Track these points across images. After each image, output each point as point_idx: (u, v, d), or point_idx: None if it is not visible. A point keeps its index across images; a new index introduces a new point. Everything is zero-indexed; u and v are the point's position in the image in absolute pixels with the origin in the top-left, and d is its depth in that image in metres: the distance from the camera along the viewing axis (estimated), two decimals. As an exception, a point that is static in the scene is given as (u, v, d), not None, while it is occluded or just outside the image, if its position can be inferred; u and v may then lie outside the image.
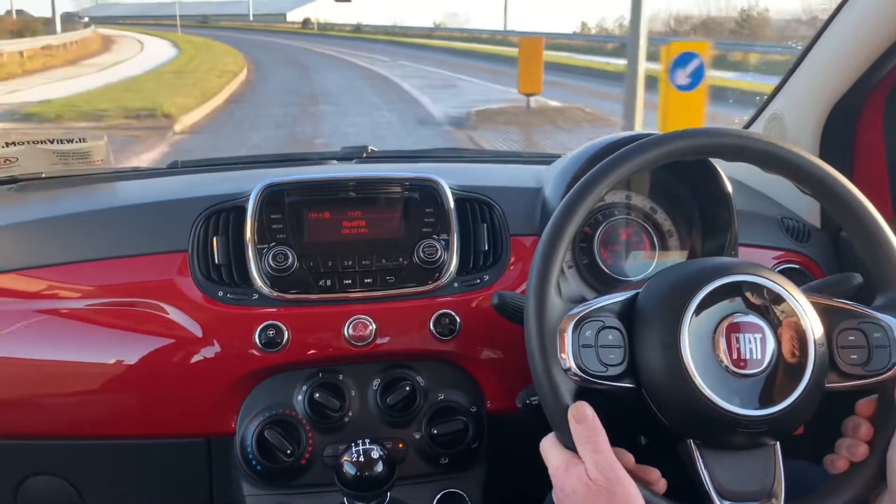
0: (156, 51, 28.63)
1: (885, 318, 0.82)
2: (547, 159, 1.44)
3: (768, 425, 0.76)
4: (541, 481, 0.80)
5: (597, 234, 1.21)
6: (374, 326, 1.09)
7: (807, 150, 0.88)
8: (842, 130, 1.29)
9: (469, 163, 1.54)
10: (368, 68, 21.52)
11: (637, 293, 0.83)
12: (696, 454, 0.79)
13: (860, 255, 0.86)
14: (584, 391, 0.79)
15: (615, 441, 0.77)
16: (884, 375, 0.81)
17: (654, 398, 0.79)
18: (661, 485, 0.82)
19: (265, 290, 1.08)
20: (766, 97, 1.46)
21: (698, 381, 0.76)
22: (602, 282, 1.19)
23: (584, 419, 0.76)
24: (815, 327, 0.79)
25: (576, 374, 0.77)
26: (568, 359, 0.77)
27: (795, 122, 1.34)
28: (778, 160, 0.85)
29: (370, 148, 1.58)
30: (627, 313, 0.81)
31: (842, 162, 1.29)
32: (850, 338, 0.81)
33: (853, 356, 0.81)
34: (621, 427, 0.82)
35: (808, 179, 0.86)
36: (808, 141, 1.30)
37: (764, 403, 0.76)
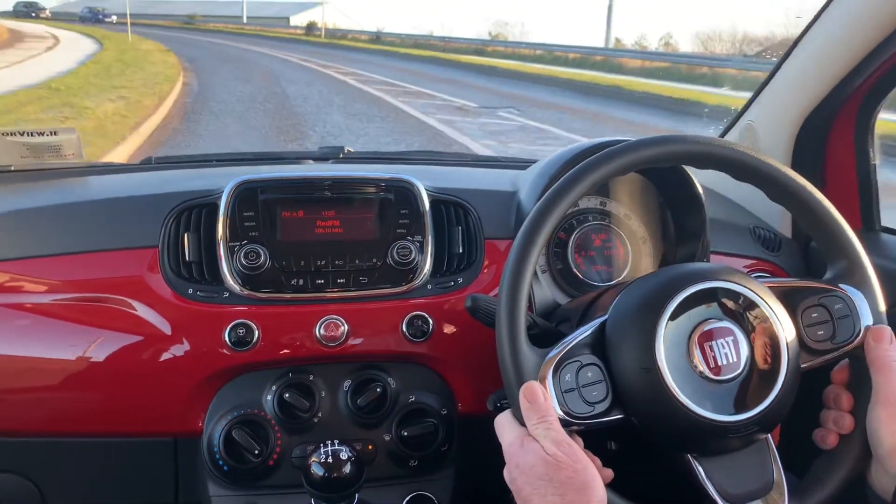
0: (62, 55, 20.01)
1: (843, 288, 0.85)
2: (523, 164, 1.44)
3: (757, 424, 0.78)
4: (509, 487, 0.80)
5: (571, 239, 1.21)
6: (346, 327, 1.08)
7: (779, 160, 0.89)
8: (813, 142, 1.31)
9: (445, 166, 1.53)
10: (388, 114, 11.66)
11: (605, 320, 0.83)
12: (697, 466, 0.80)
13: (808, 233, 0.90)
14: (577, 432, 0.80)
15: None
16: (852, 344, 0.84)
17: (643, 424, 0.80)
18: (607, 473, 0.83)
19: (236, 288, 1.07)
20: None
21: (683, 399, 0.76)
22: (575, 287, 1.20)
23: (535, 399, 0.77)
24: (786, 328, 0.80)
25: (565, 421, 0.77)
26: (555, 408, 0.78)
27: (768, 132, 1.36)
28: (743, 166, 0.87)
29: (347, 148, 1.58)
30: (600, 343, 0.82)
31: (812, 173, 1.31)
32: (814, 315, 0.84)
33: (819, 332, 0.84)
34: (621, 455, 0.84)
35: (761, 178, 0.87)
36: (780, 151, 1.32)
37: (750, 405, 0.77)
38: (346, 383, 1.11)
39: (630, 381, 0.79)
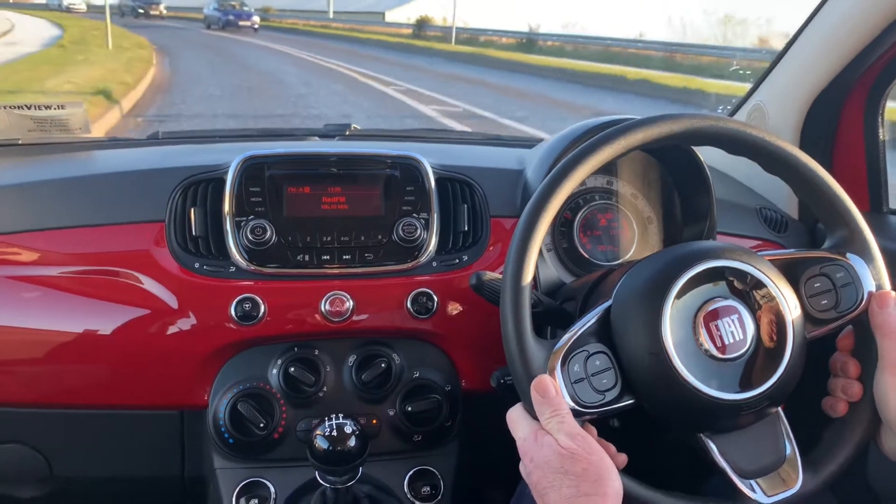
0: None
1: (844, 256, 0.85)
2: (530, 143, 1.43)
3: (768, 399, 0.78)
4: (513, 461, 0.81)
5: (577, 219, 1.21)
6: (352, 303, 1.09)
7: (788, 141, 0.88)
8: (823, 125, 1.30)
9: (452, 144, 1.53)
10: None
11: (609, 305, 0.83)
12: (711, 445, 0.80)
13: (805, 202, 0.89)
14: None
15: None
16: (856, 312, 0.83)
17: (653, 408, 0.80)
18: (621, 459, 0.83)
19: (242, 263, 1.07)
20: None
21: (692, 381, 0.76)
22: (580, 266, 1.20)
23: (547, 393, 0.76)
24: (791, 304, 0.80)
25: (576, 411, 0.77)
26: (566, 399, 0.78)
27: (777, 113, 1.35)
28: (735, 138, 0.86)
29: (353, 126, 1.57)
30: (606, 330, 0.81)
31: (822, 156, 1.30)
32: (816, 284, 0.84)
33: (823, 301, 0.84)
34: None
35: (754, 149, 0.86)
36: (788, 133, 1.31)
37: (759, 382, 0.77)
38: (351, 358, 1.12)
39: (638, 367, 0.78)
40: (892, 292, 0.84)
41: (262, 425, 1.06)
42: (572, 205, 1.22)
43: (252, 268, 1.07)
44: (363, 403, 1.11)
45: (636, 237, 1.23)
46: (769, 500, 0.79)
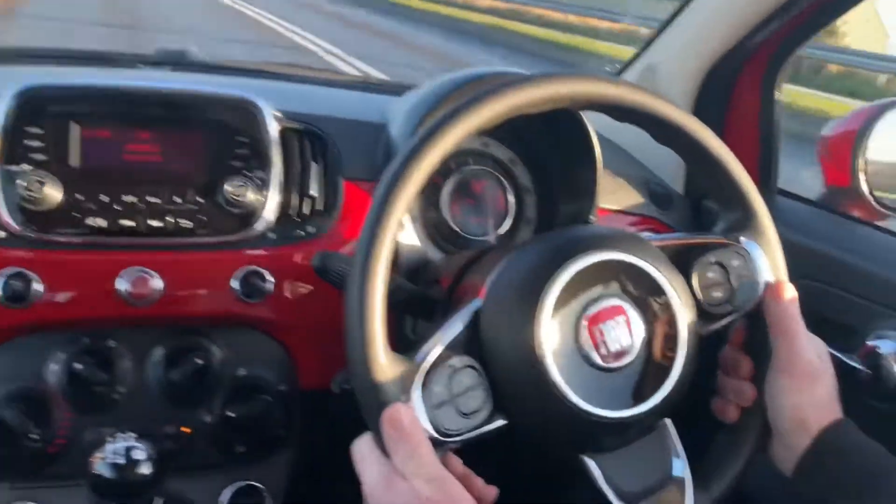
0: None
1: (739, 241, 0.76)
2: (398, 89, 1.25)
3: (656, 414, 0.68)
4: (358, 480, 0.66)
5: (447, 185, 1.05)
6: (160, 282, 0.88)
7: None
8: (718, 94, 1.20)
9: (306, 84, 1.31)
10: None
11: (479, 308, 0.68)
12: (593, 466, 0.69)
13: (697, 176, 0.82)
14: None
15: None
16: (752, 304, 0.75)
17: (529, 429, 0.68)
18: (490, 493, 0.71)
19: (14, 226, 0.83)
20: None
21: (574, 398, 0.64)
22: (450, 241, 1.05)
23: (401, 427, 0.61)
24: (686, 305, 0.70)
25: (437, 441, 0.63)
26: (426, 428, 0.63)
27: (670, 77, 1.24)
28: (621, 103, 0.73)
29: (192, 53, 1.32)
30: (475, 338, 0.67)
31: (714, 127, 1.21)
32: (710, 275, 0.75)
33: (717, 294, 0.74)
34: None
35: (646, 116, 0.75)
36: (681, 101, 1.21)
37: (648, 395, 0.67)
38: (158, 352, 0.91)
39: (511, 382, 0.65)
40: (790, 284, 0.75)
41: (33, 436, 0.84)
42: (442, 168, 1.06)
43: (27, 233, 0.84)
44: (171, 408, 0.91)
45: (513, 209, 1.08)
46: None
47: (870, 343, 0.89)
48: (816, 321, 0.77)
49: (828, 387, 0.72)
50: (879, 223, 1.03)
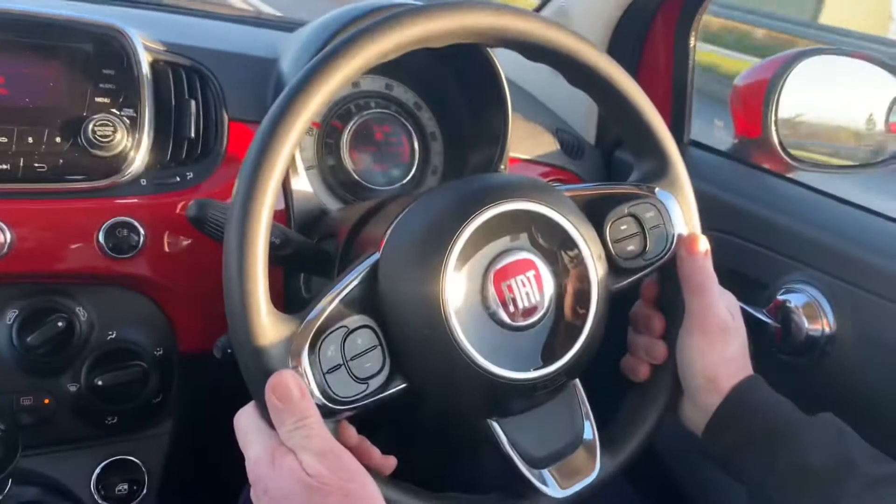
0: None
1: (653, 192, 0.73)
2: (294, 26, 1.14)
3: (566, 374, 0.64)
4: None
5: (347, 130, 0.97)
6: (11, 235, 0.77)
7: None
8: (630, 40, 1.16)
9: (188, 16, 1.18)
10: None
11: (376, 260, 0.62)
12: (499, 431, 0.65)
13: (616, 127, 0.76)
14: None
15: None
16: (665, 258, 0.72)
17: (431, 393, 0.63)
18: (388, 464, 0.65)
19: None
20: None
21: (479, 359, 0.60)
22: (349, 190, 0.97)
23: (288, 396, 0.54)
24: (598, 260, 0.66)
25: (328, 409, 0.57)
26: (315, 395, 0.57)
27: (582, 19, 1.18)
28: (533, 39, 0.67)
29: None
30: (372, 295, 0.61)
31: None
32: (623, 227, 0.71)
33: (630, 247, 0.71)
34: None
35: (560, 55, 0.69)
36: (595, 41, 1.16)
37: (557, 354, 0.63)
38: (11, 314, 0.80)
39: (412, 343, 0.60)
40: (703, 237, 0.72)
41: None
42: (342, 111, 0.98)
43: None
44: (29, 376, 0.81)
45: (417, 156, 1.01)
46: (563, 493, 0.66)
47: (779, 297, 0.87)
48: (726, 274, 0.75)
49: (739, 344, 0.70)
50: (790, 175, 1.01)
